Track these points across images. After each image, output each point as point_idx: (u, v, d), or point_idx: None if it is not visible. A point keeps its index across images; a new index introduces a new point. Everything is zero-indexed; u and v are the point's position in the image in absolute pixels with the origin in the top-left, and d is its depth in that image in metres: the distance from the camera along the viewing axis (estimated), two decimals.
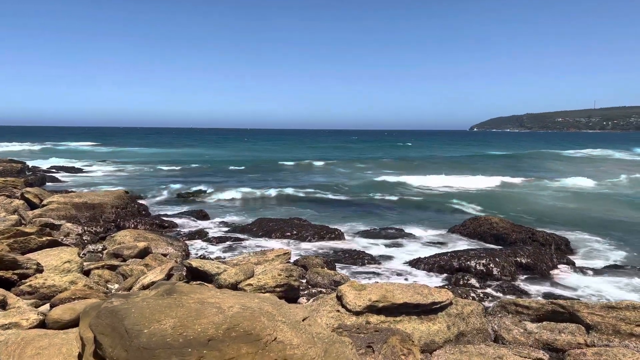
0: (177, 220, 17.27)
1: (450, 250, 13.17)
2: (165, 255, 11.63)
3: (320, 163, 44.83)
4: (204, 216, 18.67)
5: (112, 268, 9.96)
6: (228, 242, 14.42)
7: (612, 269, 12.13)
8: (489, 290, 10.33)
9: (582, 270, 12.06)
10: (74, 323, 6.53)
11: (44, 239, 10.24)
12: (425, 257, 12.29)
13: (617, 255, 13.63)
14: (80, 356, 4.34)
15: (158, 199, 22.96)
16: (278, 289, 8.43)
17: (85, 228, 13.84)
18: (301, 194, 24.73)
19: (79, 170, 36.73)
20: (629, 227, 16.90)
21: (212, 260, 10.93)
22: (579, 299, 8.87)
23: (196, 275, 9.32)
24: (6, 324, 6.11)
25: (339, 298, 7.01)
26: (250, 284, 8.40)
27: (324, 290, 9.74)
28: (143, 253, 11.17)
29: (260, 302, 4.51)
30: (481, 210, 20.65)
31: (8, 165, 29.82)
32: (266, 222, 16.33)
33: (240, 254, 12.59)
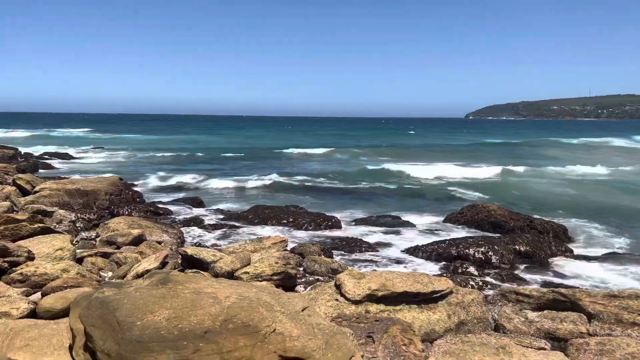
0: (172, 208, 17.07)
1: (448, 238, 13.06)
2: (160, 242, 11.45)
3: (317, 151, 44.52)
4: (199, 203, 18.47)
5: (106, 256, 9.78)
6: (224, 230, 14.25)
7: (611, 257, 12.05)
8: (487, 278, 10.22)
9: (580, 258, 11.99)
10: (65, 312, 6.36)
11: (36, 226, 10.03)
12: (423, 245, 12.18)
13: (616, 243, 13.56)
14: (71, 348, 4.17)
15: (152, 185, 22.72)
16: (275, 277, 8.28)
17: (79, 215, 13.64)
18: (297, 182, 24.55)
19: (72, 157, 36.38)
20: (629, 215, 16.83)
21: (208, 247, 10.76)
22: (579, 288, 8.77)
23: (192, 263, 9.16)
24: None
25: (338, 287, 6.87)
26: (246, 272, 8.25)
27: (321, 278, 9.60)
28: (137, 240, 10.99)
29: (258, 292, 4.35)
30: (479, 198, 20.54)
31: (0, 151, 29.45)
32: (262, 209, 16.16)
33: (236, 241, 12.41)
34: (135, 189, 19.67)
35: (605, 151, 46.78)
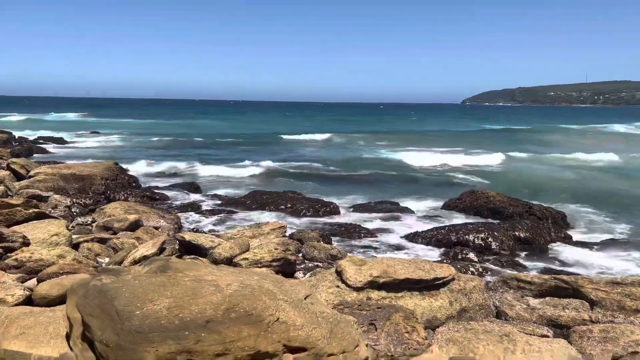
0: (168, 193, 16.92)
1: (447, 224, 12.99)
2: (157, 228, 11.33)
3: (316, 136, 44.18)
4: (195, 189, 18.32)
5: (102, 241, 9.65)
6: (221, 215, 14.13)
7: (611, 243, 12.03)
8: (487, 264, 10.16)
9: (580, 245, 11.95)
10: (62, 299, 6.24)
11: (31, 211, 9.88)
12: (422, 231, 12.10)
13: (615, 229, 13.52)
14: (68, 336, 4.06)
15: (148, 170, 22.51)
16: (274, 264, 8.18)
17: (74, 200, 13.48)
18: (296, 168, 24.40)
19: (67, 141, 36.05)
20: (629, 201, 16.78)
21: (206, 233, 10.65)
22: (580, 274, 8.72)
23: (189, 249, 9.05)
24: None
25: (339, 273, 6.77)
26: (245, 258, 8.14)
27: (320, 264, 9.52)
28: (134, 226, 10.85)
29: (260, 280, 4.24)
30: (478, 184, 20.47)
31: None
32: (260, 195, 16.03)
33: (234, 227, 12.29)
34: (131, 173, 19.48)
35: (606, 137, 46.61)
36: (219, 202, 16.13)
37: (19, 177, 15.84)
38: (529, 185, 19.88)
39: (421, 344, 5.36)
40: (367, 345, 4.01)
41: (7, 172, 15.88)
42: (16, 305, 5.93)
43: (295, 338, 3.53)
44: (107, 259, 8.86)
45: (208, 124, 65.62)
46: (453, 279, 7.05)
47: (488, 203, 14.84)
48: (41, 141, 34.19)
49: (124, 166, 20.42)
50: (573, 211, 15.39)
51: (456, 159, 28.53)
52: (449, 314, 6.66)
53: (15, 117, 66.32)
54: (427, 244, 11.43)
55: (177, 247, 9.54)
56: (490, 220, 13.76)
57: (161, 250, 8.30)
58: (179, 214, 13.59)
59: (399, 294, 6.65)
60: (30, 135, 37.57)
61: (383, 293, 6.58)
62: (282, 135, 44.80)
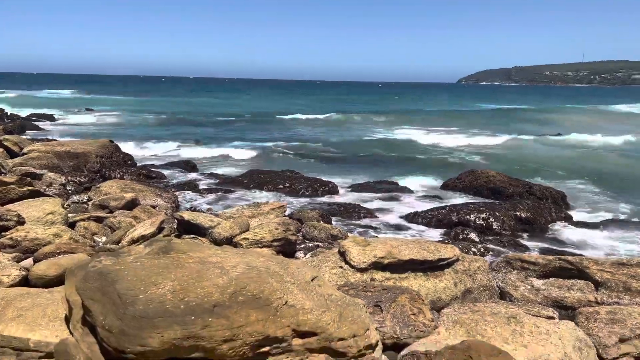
0: (165, 171, 16.72)
1: (447, 204, 12.89)
2: (154, 207, 11.15)
3: (314, 116, 43.66)
4: (192, 167, 18.12)
5: (99, 220, 9.47)
6: (218, 194, 13.97)
7: (611, 223, 11.98)
8: (489, 244, 10.08)
9: (580, 225, 11.90)
10: (59, 280, 6.10)
11: (25, 189, 9.68)
12: (422, 211, 12.00)
13: (616, 209, 13.48)
14: (67, 319, 3.91)
15: (144, 148, 22.25)
16: (275, 244, 8.05)
17: (69, 178, 13.26)
18: (293, 147, 24.17)
19: (61, 119, 35.57)
20: (630, 182, 16.70)
21: (204, 212, 10.49)
22: (585, 255, 8.65)
23: (188, 228, 8.89)
24: None
25: (342, 254, 6.65)
26: (246, 238, 8.00)
27: (321, 244, 9.40)
28: (131, 205, 10.67)
29: (266, 261, 4.09)
30: (476, 163, 20.36)
31: None
32: (257, 174, 15.86)
33: (232, 206, 12.15)
34: (126, 151, 19.21)
35: (607, 117, 46.38)
36: (215, 181, 15.95)
37: (11, 154, 15.57)
38: (528, 165, 19.81)
39: (428, 326, 5.26)
40: (377, 329, 3.89)
41: (0, 150, 15.61)
42: (12, 285, 5.78)
43: (305, 322, 3.40)
44: (104, 238, 8.70)
45: (204, 102, 64.81)
46: (457, 260, 6.95)
47: (488, 183, 14.73)
48: (34, 118, 33.72)
49: (119, 144, 20.14)
50: (573, 191, 15.34)
51: (455, 139, 28.39)
52: (454, 295, 6.58)
53: (8, 94, 65.35)
54: (427, 224, 11.33)
55: (175, 227, 9.39)
56: (490, 200, 13.67)
57: (160, 229, 8.14)
58: (176, 193, 13.42)
59: (403, 275, 6.55)
60: (23, 112, 37.03)
61: (387, 274, 6.47)
62: (279, 114, 44.33)
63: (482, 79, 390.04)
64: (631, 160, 21.23)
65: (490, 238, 10.46)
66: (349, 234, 10.13)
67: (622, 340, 5.60)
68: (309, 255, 8.85)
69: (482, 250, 9.61)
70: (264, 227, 8.29)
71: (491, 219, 11.00)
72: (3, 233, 7.64)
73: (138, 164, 17.58)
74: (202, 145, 23.16)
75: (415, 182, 16.59)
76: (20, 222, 8.02)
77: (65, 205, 10.55)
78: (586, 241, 10.57)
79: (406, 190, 15.12)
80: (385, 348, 4.83)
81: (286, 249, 8.35)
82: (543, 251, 9.89)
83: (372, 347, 3.67)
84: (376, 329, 4.31)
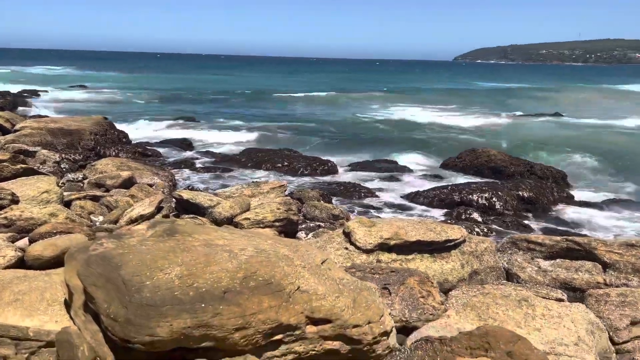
0: (160, 150, 16.46)
1: (448, 183, 12.75)
2: (151, 185, 10.93)
3: (309, 94, 43.05)
4: (188, 145, 17.87)
5: (95, 199, 9.25)
6: (216, 173, 13.76)
7: (614, 203, 11.91)
8: (492, 225, 9.96)
9: (582, 205, 11.81)
10: (56, 261, 5.91)
11: (19, 166, 9.42)
12: (423, 191, 11.85)
13: (618, 189, 13.40)
14: (67, 304, 3.74)
15: (139, 126, 21.86)
16: (277, 224, 7.89)
17: (63, 155, 12.98)
18: (290, 125, 23.88)
19: (53, 95, 34.95)
20: (632, 161, 16.58)
21: (203, 191, 10.30)
22: (592, 236, 8.54)
23: (187, 207, 8.71)
24: None
25: (347, 235, 6.49)
26: (247, 218, 7.83)
27: (322, 224, 9.25)
28: (127, 183, 10.44)
29: (275, 244, 3.91)
30: (475, 142, 20.14)
31: None
32: (255, 152, 15.63)
33: (230, 185, 11.95)
34: (121, 129, 18.87)
35: (606, 96, 46.06)
36: (212, 159, 15.72)
37: (4, 131, 15.22)
38: (528, 144, 19.64)
39: (437, 309, 5.14)
40: (389, 314, 3.74)
41: None
42: (8, 267, 5.59)
43: (319, 309, 3.24)
44: (101, 218, 8.50)
45: (200, 79, 63.52)
46: (464, 241, 6.81)
47: (489, 162, 14.58)
48: (26, 94, 33.11)
49: (113, 121, 19.78)
50: (573, 171, 15.23)
51: (453, 117, 28.18)
52: (461, 277, 6.45)
53: None
54: (429, 204, 11.19)
55: (173, 206, 9.20)
56: (491, 179, 13.53)
57: (158, 209, 7.95)
58: (173, 171, 13.18)
59: (410, 257, 6.40)
60: (15, 88, 36.35)
61: (393, 255, 6.33)
62: (276, 92, 43.70)
63: (478, 57, 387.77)
64: (633, 140, 21.10)
65: (493, 218, 10.34)
66: (351, 215, 10.00)
67: (634, 323, 5.51)
68: (310, 235, 8.71)
69: (485, 230, 9.50)
70: (265, 206, 8.11)
71: (494, 199, 10.87)
72: None
73: (133, 142, 17.28)
74: (198, 122, 22.80)
75: (415, 161, 16.43)
76: (15, 200, 7.80)
77: (60, 184, 10.32)
78: (590, 221, 10.48)
79: (406, 170, 14.96)
80: None
81: (288, 229, 8.20)
82: (547, 231, 9.79)
83: (387, 333, 3.53)
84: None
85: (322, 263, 4.05)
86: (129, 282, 2.83)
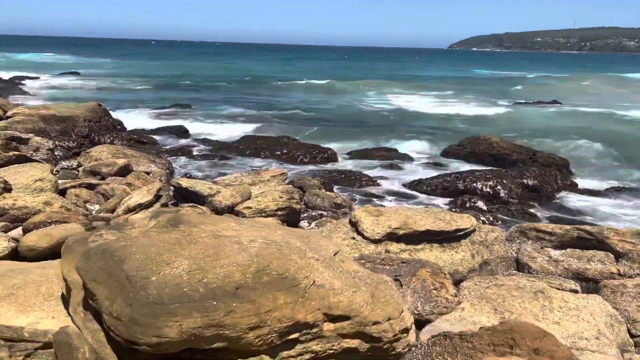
0: (156, 137, 16.15)
1: (451, 171, 12.54)
2: (148, 173, 10.65)
3: (305, 82, 42.52)
4: (184, 132, 17.56)
5: (91, 187, 8.97)
6: (214, 160, 13.50)
7: (617, 191, 11.76)
8: (497, 214, 9.77)
9: (586, 192, 11.65)
10: (52, 252, 5.67)
11: (11, 154, 9.13)
12: (426, 179, 11.63)
13: (620, 177, 13.23)
14: (64, 299, 3.50)
15: (134, 113, 21.46)
16: (279, 213, 7.65)
17: (57, 143, 12.65)
18: (288, 112, 23.56)
19: (45, 82, 34.39)
20: (633, 150, 16.41)
21: (201, 179, 10.04)
22: (598, 224, 8.36)
23: (186, 196, 8.46)
24: None
25: (354, 224, 6.26)
26: (249, 207, 7.59)
27: (324, 213, 9.03)
28: (124, 171, 10.16)
29: (285, 235, 3.68)
30: (474, 130, 19.91)
31: None
32: (253, 140, 15.35)
33: (229, 173, 11.68)
34: (115, 116, 18.50)
35: (605, 84, 45.79)
36: (209, 146, 15.44)
37: None
38: (527, 131, 19.45)
39: (451, 301, 4.94)
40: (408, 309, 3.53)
41: None
42: (1, 258, 5.35)
43: (337, 305, 3.01)
44: (97, 206, 8.23)
45: (196, 65, 62.16)
46: (474, 230, 6.60)
47: (491, 149, 14.38)
48: (17, 81, 32.55)
49: (108, 108, 19.39)
50: (575, 159, 15.04)
51: (452, 105, 27.94)
52: (471, 267, 6.25)
53: None
54: (432, 192, 10.98)
55: (171, 194, 8.95)
56: (493, 167, 13.32)
57: (157, 197, 7.69)
58: (169, 159, 12.90)
59: (419, 247, 6.20)
60: (6, 75, 35.71)
61: (402, 245, 6.11)
62: (274, 80, 43.13)
63: (474, 44, 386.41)
64: (634, 128, 20.93)
65: (498, 206, 10.15)
66: (354, 203, 9.78)
67: None
68: (313, 224, 8.49)
69: (490, 219, 9.32)
70: (267, 195, 7.87)
71: (498, 187, 10.67)
72: None
73: (128, 129, 16.94)
74: (194, 110, 22.41)
75: (415, 149, 16.22)
76: (7, 189, 7.52)
77: (54, 172, 10.03)
78: (596, 209, 10.32)
79: (406, 157, 14.74)
80: None
81: (290, 218, 7.98)
82: (553, 220, 9.63)
83: (407, 330, 3.31)
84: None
85: (334, 255, 3.83)
86: (133, 277, 2.59)
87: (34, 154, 11.41)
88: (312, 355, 2.94)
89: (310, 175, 11.63)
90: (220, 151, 14.63)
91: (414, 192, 11.13)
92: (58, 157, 11.91)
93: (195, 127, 18.50)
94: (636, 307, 5.36)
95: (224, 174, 11.51)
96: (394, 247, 6.08)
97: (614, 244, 6.78)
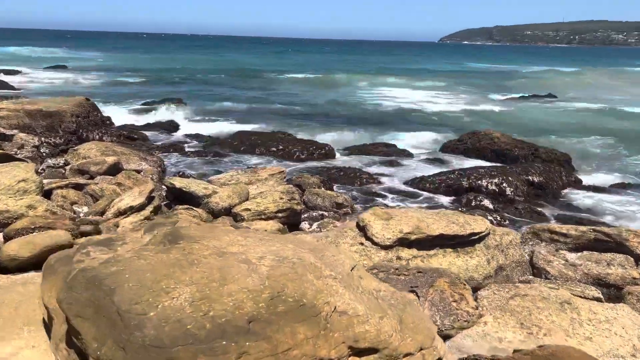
0: (147, 132, 15.61)
1: (453, 168, 12.17)
2: (139, 171, 10.15)
3: (301, 75, 41.79)
4: (175, 127, 17.04)
5: (79, 187, 8.46)
6: (207, 157, 13.01)
7: (622, 187, 11.47)
8: (504, 213, 9.40)
9: (591, 189, 11.34)
10: (35, 262, 5.21)
11: None
12: (428, 176, 11.24)
13: (624, 172, 12.94)
14: (47, 326, 3.05)
15: (123, 108, 20.83)
16: (280, 215, 7.23)
17: (42, 139, 12.11)
18: (282, 107, 23.05)
19: (31, 76, 33.55)
20: (634, 144, 16.14)
21: (196, 179, 9.57)
22: (611, 225, 8.04)
23: (179, 196, 8.02)
24: None
25: (362, 229, 5.85)
26: (247, 209, 7.15)
27: (325, 213, 8.60)
28: (113, 169, 9.65)
29: (297, 249, 3.25)
30: (473, 124, 19.55)
31: None
32: (247, 135, 14.86)
33: (223, 171, 11.19)
34: (104, 111, 17.90)
35: (609, 78, 45.55)
36: (202, 142, 14.95)
37: None
38: (526, 125, 19.13)
39: (472, 314, 4.55)
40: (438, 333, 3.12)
41: None
42: None
43: (363, 336, 2.59)
44: (85, 208, 7.74)
45: (188, 59, 60.75)
46: (488, 234, 6.22)
47: (492, 145, 14.02)
48: (2, 75, 31.69)
49: (96, 103, 18.78)
50: (577, 154, 14.73)
51: (447, 99, 27.65)
52: (487, 274, 5.87)
53: None
54: (435, 190, 10.58)
55: (164, 194, 8.49)
56: (495, 163, 12.96)
57: (149, 199, 7.22)
58: (161, 156, 12.39)
59: (431, 252, 5.80)
60: None
61: (414, 251, 5.71)
62: (267, 73, 42.45)
63: (464, 38, 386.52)
64: (633, 122, 20.68)
65: (505, 205, 9.79)
66: (354, 202, 9.38)
67: None
68: (315, 225, 8.07)
69: (498, 219, 8.94)
70: (267, 196, 7.43)
71: (504, 184, 10.31)
72: None
73: (117, 125, 16.39)
74: (186, 104, 21.80)
75: (413, 143, 15.87)
76: None
77: (39, 170, 9.52)
78: (605, 207, 9.99)
79: (406, 153, 14.35)
80: None
81: (291, 220, 7.56)
82: (561, 219, 9.28)
83: None
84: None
85: (351, 270, 3.41)
86: (126, 313, 2.16)
87: (19, 151, 10.88)
88: None
89: (309, 173, 11.19)
90: (213, 147, 14.15)
91: (416, 190, 10.74)
92: (44, 154, 11.38)
93: (187, 122, 17.97)
94: None
95: (219, 172, 11.01)
96: (406, 253, 5.68)
97: (634, 246, 6.45)
